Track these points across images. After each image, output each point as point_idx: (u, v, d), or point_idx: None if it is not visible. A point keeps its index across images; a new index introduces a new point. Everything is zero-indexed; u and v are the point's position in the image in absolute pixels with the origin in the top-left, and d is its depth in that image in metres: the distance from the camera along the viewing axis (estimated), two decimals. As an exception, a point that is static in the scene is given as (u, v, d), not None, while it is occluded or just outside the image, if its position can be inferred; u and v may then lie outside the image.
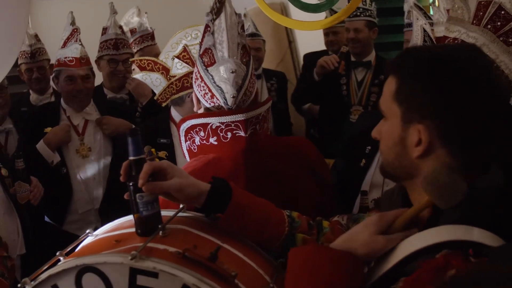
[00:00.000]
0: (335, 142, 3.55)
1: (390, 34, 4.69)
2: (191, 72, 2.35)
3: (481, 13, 1.68)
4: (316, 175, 1.77)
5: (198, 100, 1.72)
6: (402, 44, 3.85)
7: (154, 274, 1.07)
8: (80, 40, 3.17)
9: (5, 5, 2.59)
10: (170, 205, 1.35)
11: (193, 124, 1.67)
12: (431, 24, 2.40)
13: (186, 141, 1.73)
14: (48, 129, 3.06)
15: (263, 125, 1.69)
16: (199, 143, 1.68)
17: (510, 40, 1.64)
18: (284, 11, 5.03)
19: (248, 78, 1.64)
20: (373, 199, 2.28)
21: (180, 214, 1.33)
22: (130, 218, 1.33)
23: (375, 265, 1.12)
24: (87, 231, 1.35)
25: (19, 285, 1.13)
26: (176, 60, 2.49)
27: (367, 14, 3.75)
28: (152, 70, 2.58)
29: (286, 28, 5.26)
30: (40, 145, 3.01)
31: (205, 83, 1.65)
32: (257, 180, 1.63)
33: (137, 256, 1.07)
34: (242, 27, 1.69)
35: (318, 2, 2.80)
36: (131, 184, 1.24)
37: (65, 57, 3.11)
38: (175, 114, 2.72)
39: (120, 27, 3.73)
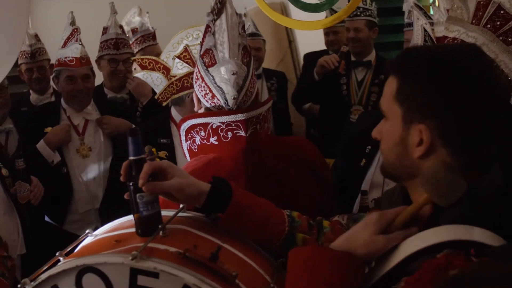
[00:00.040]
0: (335, 141, 3.55)
1: (390, 33, 4.69)
2: (192, 72, 2.36)
3: (480, 13, 1.68)
4: (316, 175, 1.77)
5: (199, 100, 1.72)
6: (402, 44, 3.85)
7: (155, 274, 1.07)
8: (80, 40, 3.17)
9: (5, 5, 2.59)
10: (170, 205, 1.35)
11: (193, 123, 1.67)
12: (431, 24, 2.40)
13: (186, 140, 1.73)
14: (48, 129, 3.06)
15: (263, 125, 1.69)
16: (199, 143, 1.68)
17: (510, 39, 1.64)
18: (284, 11, 5.03)
19: (249, 78, 1.64)
20: (373, 199, 2.28)
21: (180, 214, 1.33)
22: (130, 218, 1.33)
23: (376, 265, 1.11)
24: (87, 231, 1.35)
25: (19, 286, 1.13)
26: (177, 60, 2.49)
27: (368, 13, 3.75)
28: (153, 69, 2.58)
29: (286, 27, 5.26)
30: (41, 145, 3.01)
31: (205, 84, 1.65)
32: (258, 180, 1.63)
33: (138, 256, 1.07)
34: (243, 27, 1.69)
35: (318, 2, 2.80)
36: (131, 184, 1.24)
37: (65, 57, 3.11)
38: (175, 114, 2.72)
39: (121, 26, 3.72)
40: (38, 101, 3.85)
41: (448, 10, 1.90)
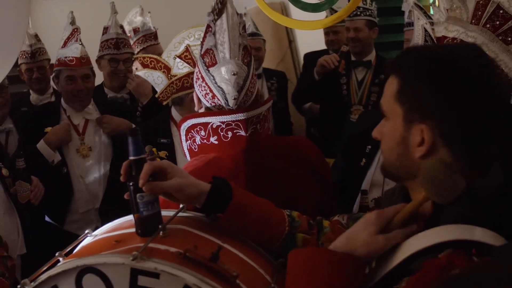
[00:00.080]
0: (335, 141, 3.55)
1: (390, 33, 4.68)
2: (192, 73, 2.36)
3: (479, 13, 1.68)
4: (316, 175, 1.77)
5: (199, 100, 1.72)
6: (402, 43, 3.84)
7: (155, 275, 1.07)
8: (80, 40, 3.17)
9: (5, 5, 2.59)
10: (170, 205, 1.35)
11: (193, 123, 1.67)
12: (432, 24, 2.40)
13: (186, 140, 1.73)
14: (48, 129, 3.06)
15: (263, 125, 1.70)
16: (199, 143, 1.68)
17: (509, 39, 1.64)
18: (284, 11, 5.02)
19: (249, 79, 1.64)
20: (373, 199, 2.28)
21: (180, 214, 1.33)
22: (129, 218, 1.33)
23: (377, 264, 1.11)
24: (86, 231, 1.35)
25: (18, 286, 1.13)
26: (178, 59, 2.50)
27: (368, 13, 3.75)
28: (154, 68, 2.60)
29: (286, 27, 5.26)
30: (41, 145, 3.01)
31: (206, 83, 1.65)
32: (258, 180, 1.63)
33: (138, 257, 1.07)
34: (244, 27, 1.69)
35: (318, 1, 2.79)
36: (131, 184, 1.24)
37: (66, 57, 3.11)
38: (175, 114, 2.73)
39: (121, 26, 3.72)
40: (38, 101, 3.85)
41: (447, 10, 1.90)
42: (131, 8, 4.59)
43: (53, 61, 3.63)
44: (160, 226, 1.21)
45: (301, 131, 4.80)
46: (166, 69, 2.59)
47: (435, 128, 1.08)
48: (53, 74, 3.27)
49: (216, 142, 1.65)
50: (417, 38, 2.33)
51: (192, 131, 1.69)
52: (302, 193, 1.69)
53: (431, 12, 3.19)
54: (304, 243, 1.38)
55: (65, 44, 3.16)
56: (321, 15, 3.56)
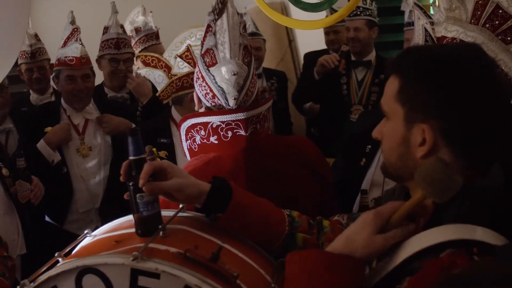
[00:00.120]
0: (335, 141, 3.55)
1: (390, 33, 4.68)
2: (192, 73, 2.36)
3: (479, 13, 1.68)
4: (316, 175, 1.77)
5: (199, 100, 1.72)
6: (402, 43, 3.84)
7: (155, 275, 1.07)
8: (80, 40, 3.17)
9: (5, 5, 2.59)
10: (170, 205, 1.35)
11: (193, 123, 1.67)
12: (432, 24, 2.40)
13: (186, 140, 1.73)
14: (48, 129, 3.06)
15: (263, 124, 1.70)
16: (199, 142, 1.68)
17: (509, 38, 1.65)
18: (284, 11, 5.02)
19: (250, 78, 1.64)
20: (373, 198, 2.28)
21: (180, 214, 1.33)
22: (129, 218, 1.33)
23: (378, 264, 1.11)
24: (85, 231, 1.35)
25: (18, 287, 1.13)
26: (178, 59, 2.51)
27: (368, 13, 3.75)
28: (155, 67, 2.61)
29: (286, 27, 5.26)
30: (41, 144, 3.01)
31: (206, 83, 1.65)
32: (258, 179, 1.63)
33: (139, 257, 1.07)
34: (244, 27, 1.69)
35: (318, 1, 2.79)
36: (131, 184, 1.24)
37: (65, 57, 3.11)
38: (175, 114, 2.73)
39: (122, 26, 3.72)
40: (38, 101, 3.84)
41: (447, 10, 1.91)
42: (132, 7, 4.61)
43: (53, 61, 3.63)
44: (160, 226, 1.21)
45: (301, 131, 4.80)
46: (167, 68, 2.60)
47: (436, 128, 1.08)
48: (53, 74, 3.27)
49: (216, 142, 1.65)
50: (418, 38, 2.34)
51: (192, 130, 1.69)
52: (302, 193, 1.69)
53: (431, 11, 3.19)
54: (304, 243, 1.38)
55: (65, 44, 3.16)
56: (321, 15, 3.56)
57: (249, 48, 1.69)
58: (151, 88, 3.40)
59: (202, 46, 1.68)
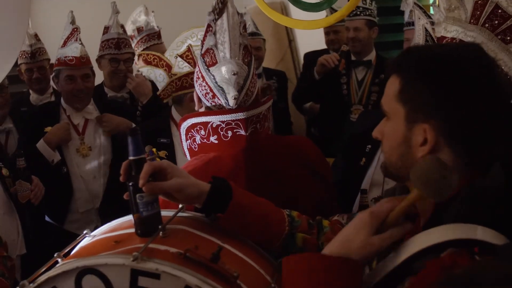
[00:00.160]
0: (335, 141, 3.55)
1: (390, 33, 4.68)
2: (192, 73, 2.37)
3: (478, 12, 1.69)
4: (316, 175, 1.77)
5: (199, 99, 1.72)
6: (402, 43, 3.84)
7: (156, 276, 1.06)
8: (80, 39, 3.17)
9: (5, 5, 2.59)
10: (170, 205, 1.35)
11: (193, 122, 1.67)
12: (432, 24, 2.40)
13: (186, 139, 1.73)
14: (48, 129, 3.06)
15: (263, 124, 1.69)
16: (199, 142, 1.68)
17: (508, 38, 1.65)
18: (284, 11, 5.02)
19: (250, 78, 1.64)
20: (373, 198, 2.28)
21: (179, 214, 1.33)
22: (128, 218, 1.33)
23: (378, 264, 1.11)
24: (84, 231, 1.35)
25: None
26: (179, 58, 2.51)
27: (367, 13, 3.74)
28: (156, 65, 2.62)
29: (286, 27, 5.26)
30: (40, 144, 3.01)
31: (206, 83, 1.65)
32: (258, 179, 1.63)
33: (139, 257, 1.07)
34: (244, 27, 1.69)
35: (317, 1, 2.79)
36: (131, 184, 1.24)
37: (65, 56, 3.11)
38: (175, 113, 2.73)
39: (122, 26, 3.72)
40: (38, 101, 3.84)
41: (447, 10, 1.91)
42: (132, 7, 4.61)
43: (53, 60, 3.63)
44: (160, 227, 1.21)
45: (301, 131, 4.80)
46: (168, 67, 2.60)
47: (437, 128, 1.08)
48: (53, 74, 3.27)
49: (216, 142, 1.64)
50: (418, 38, 2.34)
51: (192, 130, 1.69)
52: (302, 193, 1.68)
53: (431, 11, 3.19)
54: (304, 243, 1.38)
55: (64, 44, 3.16)
56: (321, 14, 3.56)
57: (249, 48, 1.69)
58: (151, 87, 3.41)
59: (202, 46, 1.68)
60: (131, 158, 1.24)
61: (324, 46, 4.43)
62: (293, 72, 5.40)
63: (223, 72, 1.60)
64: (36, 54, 3.80)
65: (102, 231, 1.34)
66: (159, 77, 2.61)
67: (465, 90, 1.08)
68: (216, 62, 1.63)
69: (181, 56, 2.51)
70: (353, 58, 3.84)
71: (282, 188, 1.65)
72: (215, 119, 1.63)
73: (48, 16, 5.25)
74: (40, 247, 2.64)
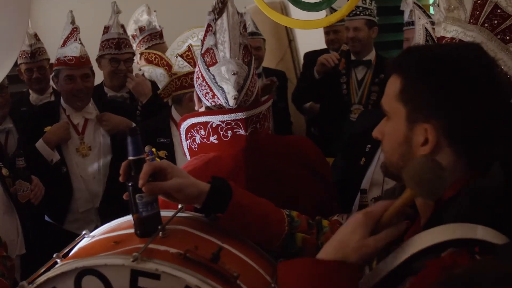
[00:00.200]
0: (335, 141, 3.55)
1: (390, 33, 4.68)
2: (191, 73, 2.37)
3: (477, 12, 1.69)
4: (316, 174, 1.77)
5: (199, 99, 1.72)
6: (402, 43, 3.84)
7: (156, 276, 1.06)
8: (79, 39, 3.16)
9: (5, 5, 2.59)
10: (170, 205, 1.35)
11: (193, 122, 1.67)
12: (432, 23, 2.40)
13: (186, 139, 1.73)
14: (47, 129, 3.06)
15: (263, 124, 1.69)
16: (199, 142, 1.68)
17: (507, 37, 1.65)
18: (284, 10, 5.02)
19: (250, 78, 1.64)
20: (372, 198, 2.28)
21: (179, 214, 1.33)
22: (127, 219, 1.33)
23: (378, 264, 1.11)
24: (83, 232, 1.34)
25: None
26: (179, 58, 2.51)
27: (367, 13, 3.74)
28: (157, 64, 2.63)
29: (286, 27, 5.26)
30: (40, 144, 3.00)
31: (206, 83, 1.65)
32: (257, 179, 1.63)
33: (139, 258, 1.07)
34: (244, 26, 1.69)
35: (317, 1, 2.79)
36: (130, 184, 1.23)
37: (65, 56, 3.11)
38: (175, 113, 2.73)
39: (122, 26, 3.72)
40: (38, 100, 3.84)
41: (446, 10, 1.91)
42: (133, 7, 4.61)
43: (52, 60, 3.62)
44: (159, 227, 1.20)
45: (301, 130, 4.80)
46: (168, 67, 2.61)
47: (438, 128, 1.08)
48: (53, 74, 3.27)
49: (216, 141, 1.64)
50: (419, 38, 2.34)
51: (192, 130, 1.69)
52: (302, 193, 1.68)
53: (431, 11, 3.19)
54: (303, 243, 1.38)
55: (64, 44, 3.16)
56: (321, 14, 3.56)
57: (249, 47, 1.69)
58: (151, 87, 3.41)
59: (202, 46, 1.68)
60: (130, 158, 1.24)
61: (324, 46, 4.42)
62: (293, 72, 5.40)
63: (223, 72, 1.60)
64: (36, 54, 3.80)
65: (101, 232, 1.34)
66: (160, 76, 2.62)
67: (465, 89, 1.07)
68: (216, 62, 1.63)
69: (181, 55, 2.51)
70: (353, 57, 3.84)
71: (282, 188, 1.65)
72: (215, 119, 1.62)
73: (48, 16, 5.24)
74: (40, 247, 2.64)
